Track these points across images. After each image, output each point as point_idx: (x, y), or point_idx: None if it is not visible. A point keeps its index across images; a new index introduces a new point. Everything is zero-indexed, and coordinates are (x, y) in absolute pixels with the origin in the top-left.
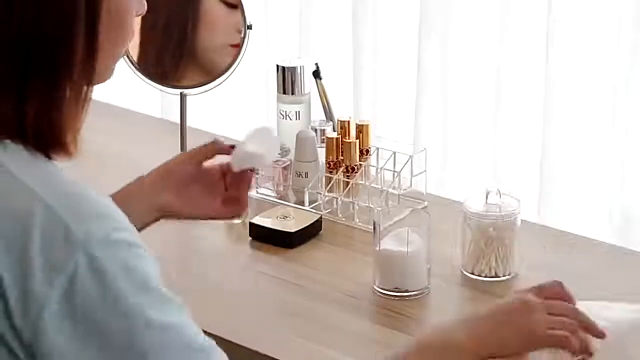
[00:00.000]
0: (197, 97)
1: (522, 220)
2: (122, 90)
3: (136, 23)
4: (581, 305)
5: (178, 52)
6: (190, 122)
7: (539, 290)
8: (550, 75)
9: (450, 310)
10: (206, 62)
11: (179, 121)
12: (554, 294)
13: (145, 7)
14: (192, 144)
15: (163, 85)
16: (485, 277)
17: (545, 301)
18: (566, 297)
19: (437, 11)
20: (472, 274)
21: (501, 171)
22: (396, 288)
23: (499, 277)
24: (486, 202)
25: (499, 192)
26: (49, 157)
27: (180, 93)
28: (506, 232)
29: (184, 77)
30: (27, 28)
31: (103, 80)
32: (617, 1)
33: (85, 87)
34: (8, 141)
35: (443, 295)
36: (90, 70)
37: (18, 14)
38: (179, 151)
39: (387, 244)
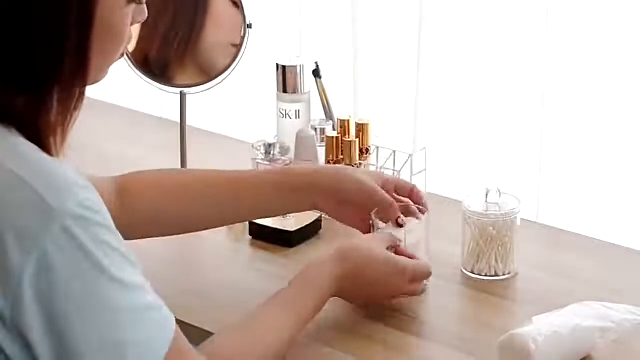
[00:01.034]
0: (196, 96)
1: (522, 219)
2: (122, 89)
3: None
4: (585, 306)
5: (181, 49)
6: (190, 121)
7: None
8: (550, 74)
9: (450, 309)
10: (207, 62)
11: (178, 120)
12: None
13: (146, 15)
14: (192, 143)
15: (162, 84)
16: (485, 276)
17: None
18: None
19: (437, 9)
20: (472, 272)
21: (501, 170)
22: None
23: (499, 276)
24: (486, 201)
25: (499, 191)
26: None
27: (180, 92)
28: (506, 231)
29: (183, 76)
30: (15, 32)
31: (96, 82)
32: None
33: (75, 93)
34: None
35: (443, 294)
36: (81, 78)
37: (6, 17)
38: (178, 150)
39: None
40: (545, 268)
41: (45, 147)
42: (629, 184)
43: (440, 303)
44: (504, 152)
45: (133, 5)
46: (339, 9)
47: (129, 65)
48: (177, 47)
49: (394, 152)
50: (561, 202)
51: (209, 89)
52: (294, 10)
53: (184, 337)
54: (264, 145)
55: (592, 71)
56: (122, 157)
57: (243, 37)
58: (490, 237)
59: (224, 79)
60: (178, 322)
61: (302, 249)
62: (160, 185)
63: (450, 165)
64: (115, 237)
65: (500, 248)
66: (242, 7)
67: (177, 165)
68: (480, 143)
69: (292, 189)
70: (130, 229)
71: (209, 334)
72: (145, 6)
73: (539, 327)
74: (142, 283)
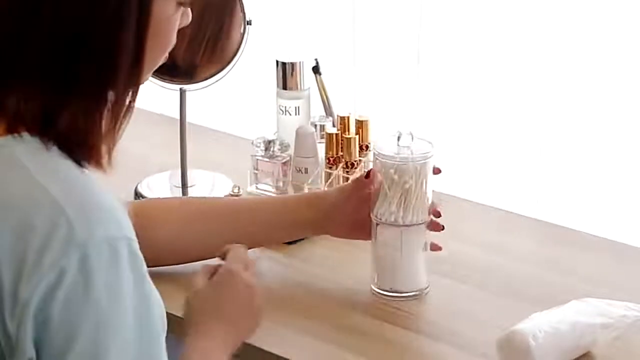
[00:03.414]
0: (196, 93)
1: (522, 216)
2: None
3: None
4: (584, 302)
5: (210, 49)
6: (190, 118)
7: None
8: (550, 71)
9: (449, 306)
10: (221, 53)
11: (178, 116)
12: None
13: (190, 19)
14: (191, 139)
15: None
16: (386, 222)
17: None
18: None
19: (438, 5)
20: (375, 217)
21: (501, 167)
22: (391, 289)
23: (399, 224)
24: (398, 145)
25: (412, 134)
26: (75, 160)
27: (180, 89)
28: (408, 177)
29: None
30: (74, 29)
31: (142, 84)
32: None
33: (127, 97)
34: (26, 134)
35: (441, 291)
36: (135, 79)
37: (65, 15)
38: (178, 147)
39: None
40: (545, 265)
41: (93, 158)
42: (629, 180)
43: (439, 300)
44: (504, 149)
45: (181, 9)
46: (339, 5)
47: None
48: (210, 46)
49: None
50: (561, 198)
51: (208, 85)
52: (294, 6)
53: None
54: (264, 141)
55: (592, 66)
56: (123, 154)
57: (243, 34)
58: (392, 181)
59: (224, 76)
60: (175, 317)
61: (302, 246)
62: (177, 211)
63: (450, 162)
64: (131, 288)
65: (402, 195)
66: (242, 4)
67: (177, 162)
68: (480, 140)
69: (301, 224)
70: (153, 255)
71: None
72: (189, 9)
73: (539, 324)
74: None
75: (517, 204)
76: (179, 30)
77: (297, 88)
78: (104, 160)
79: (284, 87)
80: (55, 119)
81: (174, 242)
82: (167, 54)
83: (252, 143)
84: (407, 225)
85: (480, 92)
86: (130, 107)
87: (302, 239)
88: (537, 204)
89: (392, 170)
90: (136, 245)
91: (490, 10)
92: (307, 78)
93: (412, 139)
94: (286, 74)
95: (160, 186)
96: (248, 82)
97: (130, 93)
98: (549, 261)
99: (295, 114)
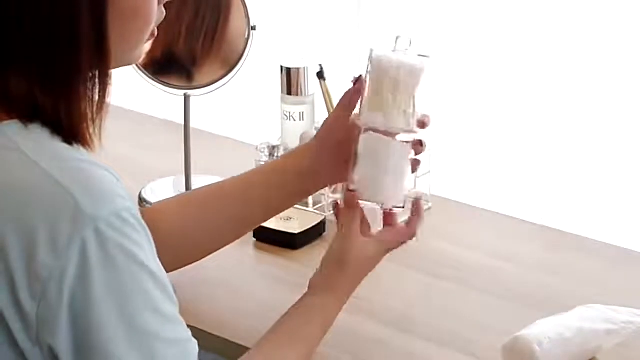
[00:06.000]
0: (200, 98)
1: (525, 221)
2: (126, 91)
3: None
4: (589, 308)
5: (207, 48)
6: (194, 123)
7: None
8: (553, 76)
9: (454, 311)
10: (225, 58)
11: (182, 122)
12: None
13: (164, 13)
14: (196, 144)
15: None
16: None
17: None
18: None
19: (441, 11)
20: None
21: (505, 172)
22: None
23: (383, 130)
24: (395, 49)
25: (410, 40)
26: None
27: (184, 94)
28: (387, 78)
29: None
30: (27, 11)
31: (129, 64)
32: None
33: (97, 78)
34: (16, 121)
35: (446, 296)
36: (101, 63)
37: (19, 11)
38: (182, 152)
39: None
40: (550, 270)
41: (80, 138)
42: (635, 186)
43: (443, 305)
44: (508, 154)
45: None
46: (344, 10)
47: (133, 67)
48: (206, 45)
49: None
50: (567, 204)
51: (212, 91)
52: (298, 12)
53: None
54: (268, 147)
55: (600, 71)
56: (126, 159)
57: (247, 39)
58: (382, 83)
59: (228, 81)
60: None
61: (306, 251)
62: (185, 200)
63: (454, 167)
64: (146, 256)
65: (385, 97)
66: (246, 9)
67: (181, 167)
68: (484, 145)
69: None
70: (173, 254)
71: (214, 337)
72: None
73: (544, 330)
74: (171, 314)
75: (521, 209)
76: (178, 20)
77: (301, 94)
78: (88, 141)
79: (289, 93)
80: (39, 105)
81: (189, 232)
82: (149, 31)
83: (257, 148)
84: (392, 132)
85: (485, 97)
86: (104, 87)
87: (305, 244)
88: (541, 205)
89: (382, 73)
90: (139, 215)
91: (493, 15)
92: (312, 84)
93: (410, 44)
94: (291, 79)
95: (164, 191)
96: (252, 88)
97: (101, 73)
98: (554, 267)
99: (300, 120)
